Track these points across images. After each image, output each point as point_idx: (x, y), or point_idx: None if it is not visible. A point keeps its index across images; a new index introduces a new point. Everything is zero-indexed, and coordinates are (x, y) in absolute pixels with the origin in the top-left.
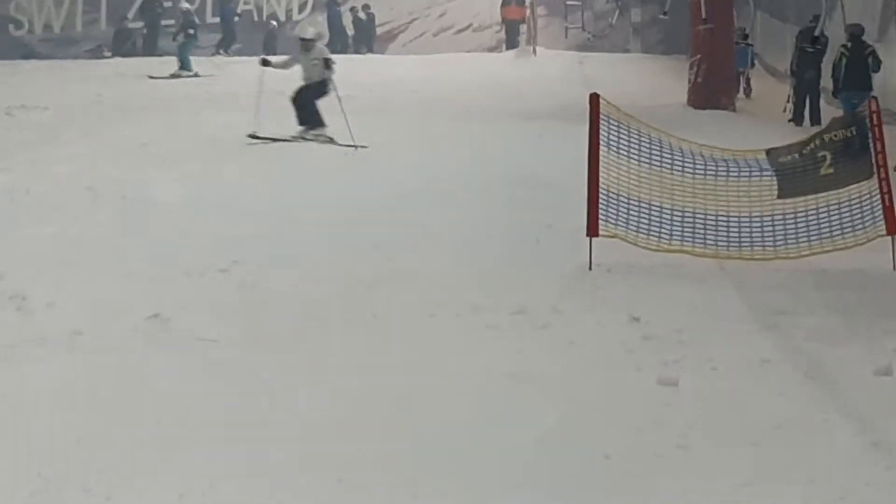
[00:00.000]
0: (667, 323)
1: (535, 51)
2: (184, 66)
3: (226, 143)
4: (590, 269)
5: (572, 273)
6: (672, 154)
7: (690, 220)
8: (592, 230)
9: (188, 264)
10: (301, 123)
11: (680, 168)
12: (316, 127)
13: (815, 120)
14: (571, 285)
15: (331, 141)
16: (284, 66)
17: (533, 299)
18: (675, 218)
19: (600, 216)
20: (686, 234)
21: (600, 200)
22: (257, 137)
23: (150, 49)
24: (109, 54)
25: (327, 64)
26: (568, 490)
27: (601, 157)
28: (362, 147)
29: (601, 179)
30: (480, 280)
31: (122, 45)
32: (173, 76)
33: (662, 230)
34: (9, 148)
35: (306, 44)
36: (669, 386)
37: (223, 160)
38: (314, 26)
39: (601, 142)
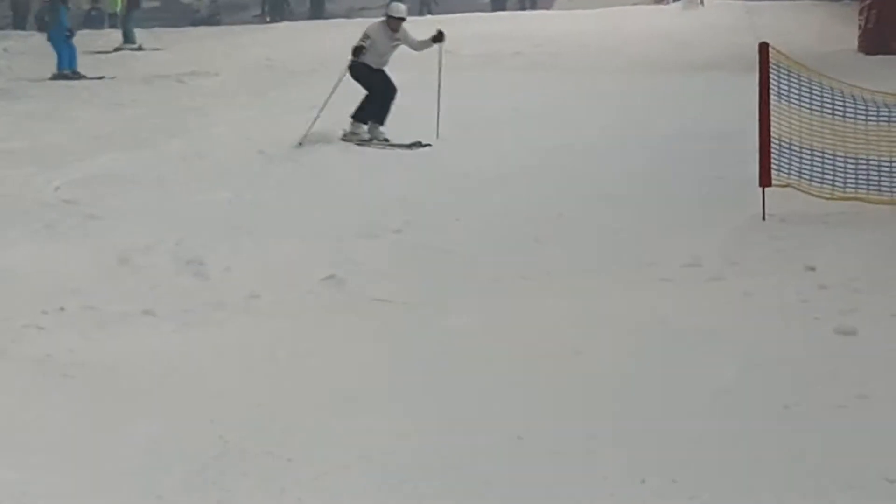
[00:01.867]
0: (843, 271)
1: (702, 1)
2: (127, 38)
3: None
4: (763, 219)
5: (745, 224)
6: (844, 101)
7: (864, 167)
8: (765, 180)
9: (361, 226)
10: (372, 119)
11: (853, 115)
12: (378, 125)
13: None
14: (745, 236)
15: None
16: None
17: (706, 251)
18: (848, 165)
19: (773, 166)
20: (860, 181)
21: (772, 150)
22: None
23: (317, 13)
24: (268, 19)
25: (439, 37)
26: (748, 441)
27: (772, 107)
28: (426, 145)
29: (773, 129)
30: (652, 233)
31: (279, 10)
32: (117, 49)
33: (836, 178)
34: (182, 114)
35: (395, 23)
36: (847, 335)
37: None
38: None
39: (772, 91)
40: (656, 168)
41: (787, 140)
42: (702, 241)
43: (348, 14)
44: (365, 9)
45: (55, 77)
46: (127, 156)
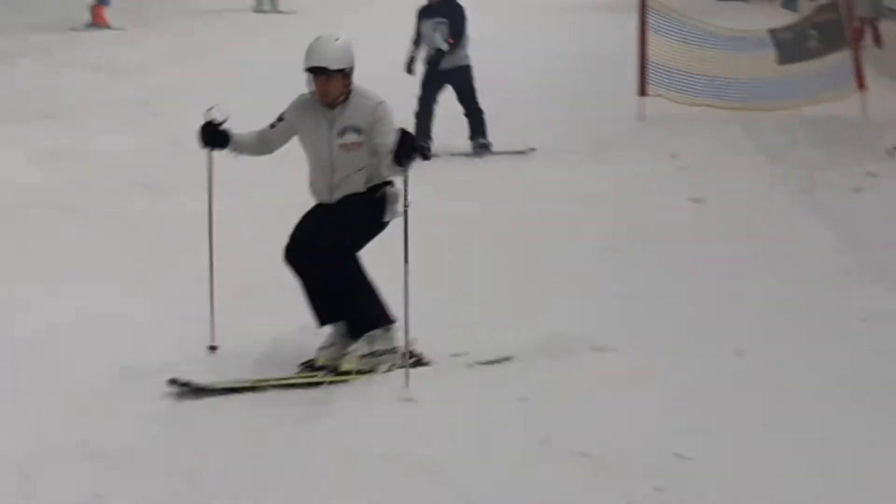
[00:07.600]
0: (697, 157)
1: None
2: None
3: None
4: (640, 119)
5: (626, 122)
6: (703, 35)
7: (715, 83)
8: (642, 90)
9: None
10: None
11: (710, 45)
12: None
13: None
14: (626, 131)
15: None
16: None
17: (591, 142)
18: (702, 81)
19: (648, 81)
20: (710, 92)
21: (649, 69)
22: None
23: None
24: None
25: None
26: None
27: (650, 39)
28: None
29: (650, 54)
30: (555, 123)
31: None
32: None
33: (694, 90)
34: None
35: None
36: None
37: None
38: None
39: (650, 27)
40: (562, 80)
41: (661, 63)
42: (591, 134)
43: None
44: None
45: None
46: None
